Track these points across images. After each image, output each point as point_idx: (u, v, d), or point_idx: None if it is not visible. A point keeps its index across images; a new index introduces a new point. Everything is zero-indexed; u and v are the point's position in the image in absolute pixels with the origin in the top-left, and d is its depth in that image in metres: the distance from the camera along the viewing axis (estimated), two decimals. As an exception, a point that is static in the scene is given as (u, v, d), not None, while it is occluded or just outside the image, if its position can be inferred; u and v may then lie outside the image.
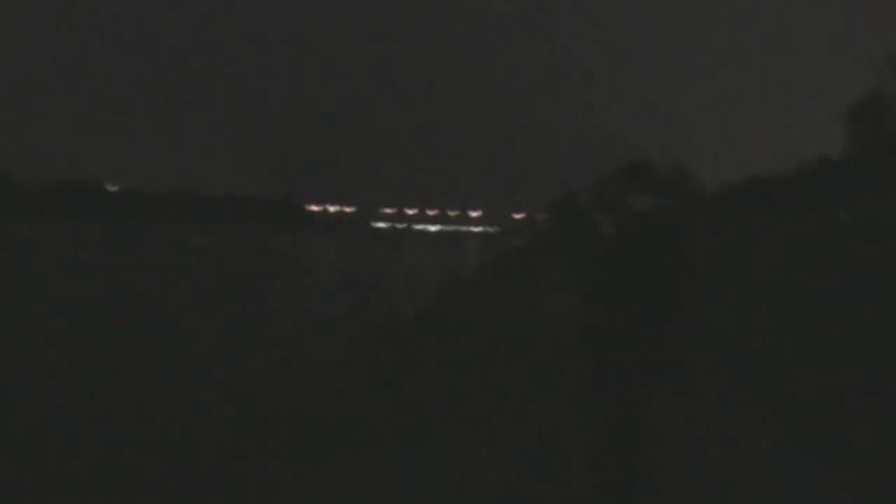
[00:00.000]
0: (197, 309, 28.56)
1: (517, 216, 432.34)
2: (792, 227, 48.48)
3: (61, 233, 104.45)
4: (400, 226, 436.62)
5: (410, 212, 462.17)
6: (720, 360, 10.31)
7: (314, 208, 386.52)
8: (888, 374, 9.70)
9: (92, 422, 12.41)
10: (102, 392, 14.38)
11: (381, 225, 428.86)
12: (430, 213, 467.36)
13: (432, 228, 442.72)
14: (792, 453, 6.89)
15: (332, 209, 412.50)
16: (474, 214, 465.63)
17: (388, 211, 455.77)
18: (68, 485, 9.55)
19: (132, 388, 14.70)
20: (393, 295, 36.36)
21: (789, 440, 7.31)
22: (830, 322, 13.87)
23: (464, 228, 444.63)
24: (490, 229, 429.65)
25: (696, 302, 5.48)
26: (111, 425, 12.25)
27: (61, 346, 19.38)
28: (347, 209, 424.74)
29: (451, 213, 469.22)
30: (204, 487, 8.69)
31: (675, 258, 5.48)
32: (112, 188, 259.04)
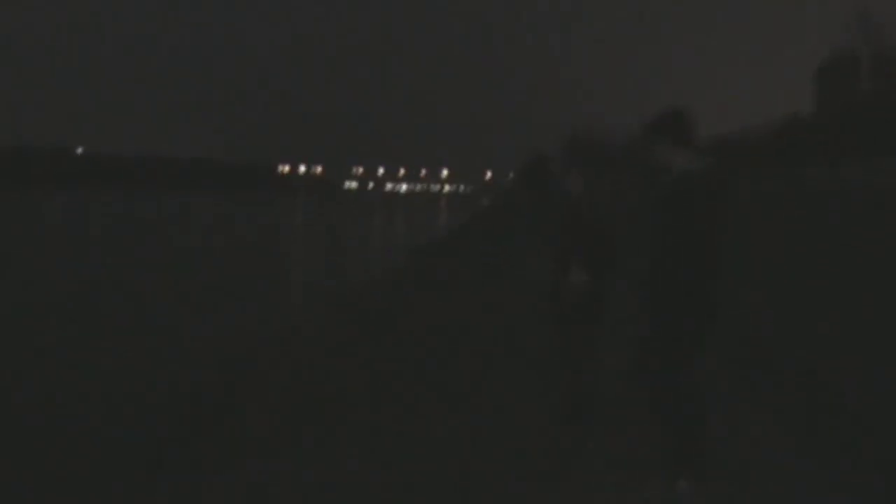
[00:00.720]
0: (165, 275, 28.35)
1: (488, 175, 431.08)
2: (763, 185, 48.67)
3: (27, 197, 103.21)
4: (370, 185, 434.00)
5: (381, 171, 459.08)
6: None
7: (284, 169, 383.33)
8: (859, 328, 9.83)
9: (63, 388, 12.38)
10: (72, 361, 14.29)
11: (352, 185, 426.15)
12: (401, 172, 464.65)
13: (403, 188, 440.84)
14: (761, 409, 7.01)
15: (302, 170, 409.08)
16: (445, 174, 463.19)
17: (358, 171, 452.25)
18: (45, 445, 9.71)
19: (103, 358, 14.59)
20: (365, 258, 36.21)
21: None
22: (802, 280, 13.97)
23: (434, 188, 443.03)
24: (461, 188, 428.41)
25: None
26: (83, 392, 12.22)
27: (37, 312, 19.29)
28: (317, 170, 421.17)
29: (422, 173, 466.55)
30: (176, 454, 8.71)
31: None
32: (79, 151, 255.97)
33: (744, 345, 9.95)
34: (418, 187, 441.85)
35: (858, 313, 11.47)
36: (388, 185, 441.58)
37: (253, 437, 8.47)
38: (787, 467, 5.91)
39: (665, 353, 5.30)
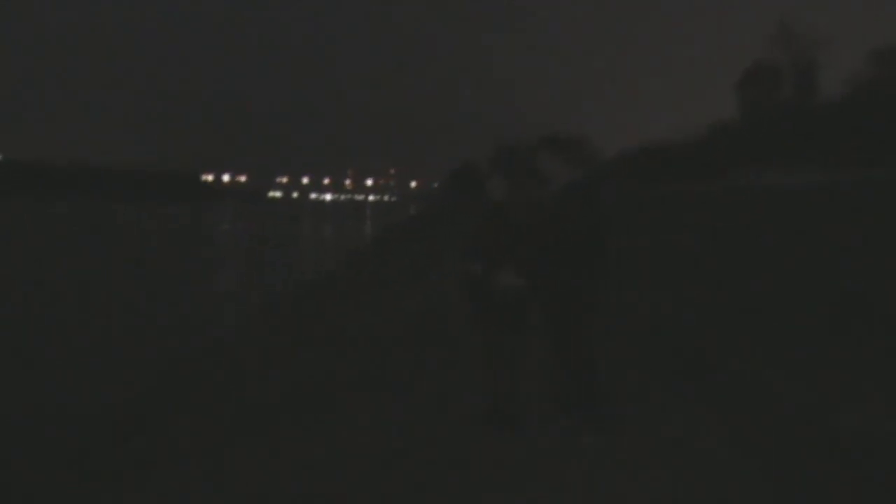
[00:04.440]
0: (90, 283, 28.04)
1: (413, 185, 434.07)
2: (685, 192, 49.73)
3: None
4: (295, 195, 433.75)
5: (306, 180, 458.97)
6: (620, 327, 10.53)
7: (208, 178, 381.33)
8: (783, 336, 10.01)
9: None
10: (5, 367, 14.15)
11: (276, 194, 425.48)
12: (326, 181, 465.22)
13: (328, 197, 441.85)
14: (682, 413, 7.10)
15: (226, 179, 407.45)
16: (370, 183, 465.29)
17: (283, 180, 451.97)
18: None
19: (22, 369, 14.35)
20: (290, 266, 36.27)
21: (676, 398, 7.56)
22: (723, 285, 14.25)
23: (360, 197, 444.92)
24: (387, 198, 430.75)
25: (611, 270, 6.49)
26: (15, 398, 12.18)
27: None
28: (242, 178, 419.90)
29: (348, 182, 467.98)
30: (105, 464, 8.56)
31: (602, 226, 6.40)
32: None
33: (647, 336, 10.34)
34: (343, 197, 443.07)
35: (754, 305, 11.99)
36: (313, 195, 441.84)
37: (176, 446, 8.30)
38: (674, 424, 6.85)
39: (556, 332, 6.49)
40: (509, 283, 6.74)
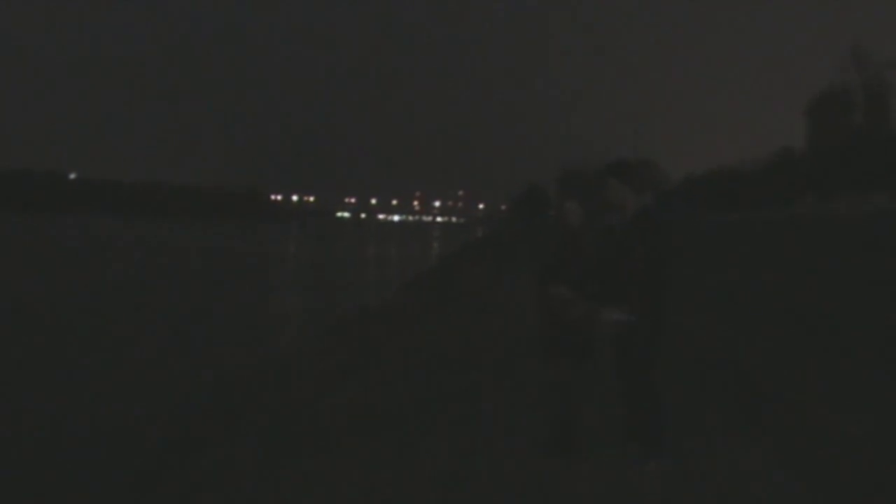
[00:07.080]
0: (162, 299, 28.30)
1: (480, 207, 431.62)
2: (750, 220, 48.99)
3: (23, 221, 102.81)
4: (363, 215, 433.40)
5: (373, 201, 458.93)
6: (680, 353, 10.53)
7: (277, 198, 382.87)
8: (845, 363, 9.97)
9: (58, 409, 12.35)
10: (69, 379, 14.32)
11: (344, 214, 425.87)
12: (394, 202, 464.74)
13: (395, 218, 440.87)
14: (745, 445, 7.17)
15: (294, 199, 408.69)
16: (437, 205, 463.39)
17: (351, 200, 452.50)
18: (31, 468, 9.77)
19: (99, 377, 14.60)
20: (357, 285, 36.19)
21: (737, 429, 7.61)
22: (788, 313, 14.09)
23: (427, 218, 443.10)
24: (454, 220, 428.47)
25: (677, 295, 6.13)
26: (78, 411, 12.27)
27: (31, 333, 19.20)
28: (310, 199, 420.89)
29: (415, 204, 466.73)
30: (171, 475, 8.71)
31: (669, 254, 6.42)
32: (72, 176, 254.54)
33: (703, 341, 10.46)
34: (411, 218, 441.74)
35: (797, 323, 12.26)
36: (381, 216, 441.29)
37: (242, 462, 8.48)
38: (728, 451, 6.93)
39: (628, 360, 6.46)
40: (616, 318, 6.46)
